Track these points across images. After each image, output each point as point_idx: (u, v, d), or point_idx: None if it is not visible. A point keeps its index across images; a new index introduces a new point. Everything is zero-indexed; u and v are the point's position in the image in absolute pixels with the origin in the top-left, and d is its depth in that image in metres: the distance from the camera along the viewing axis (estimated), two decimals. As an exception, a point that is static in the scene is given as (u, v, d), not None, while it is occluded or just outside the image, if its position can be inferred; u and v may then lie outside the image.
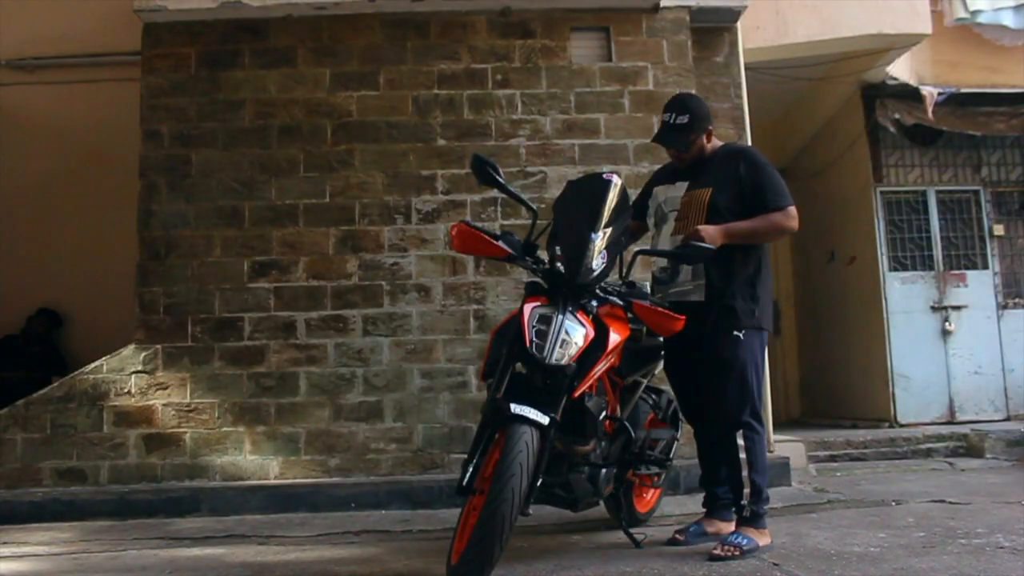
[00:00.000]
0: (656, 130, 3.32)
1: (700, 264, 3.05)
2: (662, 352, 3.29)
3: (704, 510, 3.26)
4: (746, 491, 3.09)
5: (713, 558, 2.83)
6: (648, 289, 3.18)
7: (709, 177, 3.15)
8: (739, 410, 3.06)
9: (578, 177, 3.16)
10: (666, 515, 3.75)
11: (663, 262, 3.18)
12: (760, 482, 3.03)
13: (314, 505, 4.31)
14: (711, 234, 2.97)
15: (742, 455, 3.13)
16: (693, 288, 3.12)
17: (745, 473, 3.09)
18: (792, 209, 3.07)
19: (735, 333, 3.04)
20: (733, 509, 3.15)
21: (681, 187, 3.22)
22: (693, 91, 4.85)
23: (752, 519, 3.00)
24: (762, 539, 2.95)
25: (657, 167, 4.89)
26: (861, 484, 4.66)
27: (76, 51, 6.10)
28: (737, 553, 2.84)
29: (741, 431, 3.11)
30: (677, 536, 3.11)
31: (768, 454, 3.58)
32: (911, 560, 2.67)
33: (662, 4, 5.01)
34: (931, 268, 7.07)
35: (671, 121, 3.17)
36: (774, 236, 3.20)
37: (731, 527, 3.14)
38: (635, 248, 3.19)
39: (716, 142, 3.29)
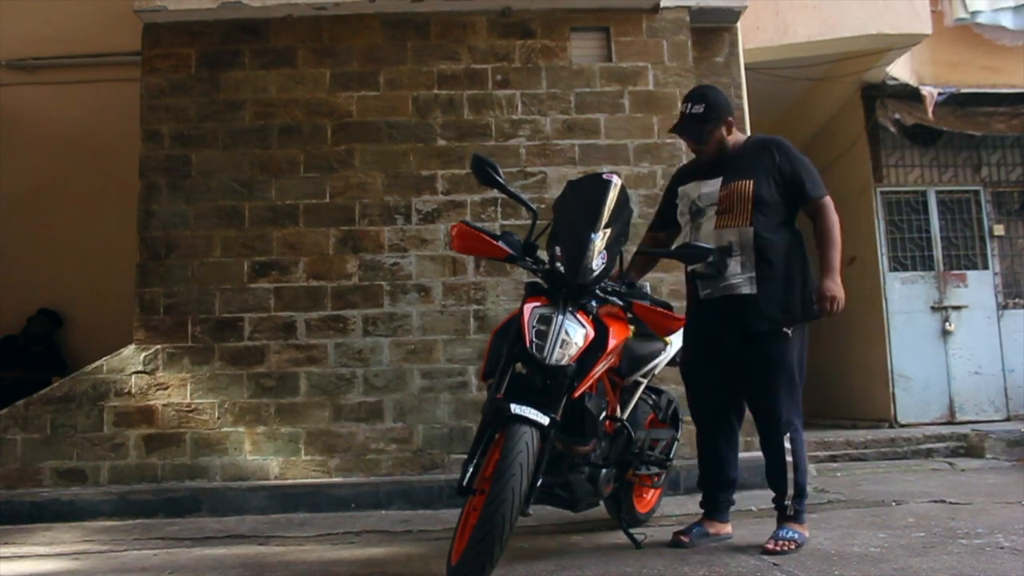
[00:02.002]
0: (667, 126, 3.30)
1: (752, 255, 3.02)
2: (662, 352, 3.28)
3: (702, 511, 3.25)
4: (790, 492, 3.03)
5: (767, 552, 2.85)
6: (648, 289, 3.17)
7: (746, 169, 3.09)
8: (788, 410, 3.02)
9: (578, 177, 3.16)
10: (666, 515, 3.75)
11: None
12: (803, 482, 3.04)
13: (314, 505, 4.31)
14: (837, 285, 3.05)
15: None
16: (744, 280, 3.03)
17: (791, 474, 3.04)
18: (829, 199, 3.11)
19: (784, 330, 3.00)
20: (777, 508, 3.10)
21: (716, 183, 3.12)
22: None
23: (796, 516, 3.02)
24: (806, 532, 3.01)
25: (657, 168, 4.95)
26: (861, 484, 4.66)
27: (76, 51, 6.09)
28: (792, 547, 2.87)
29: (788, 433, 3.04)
30: (681, 538, 3.08)
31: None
32: (911, 560, 2.67)
33: (662, 4, 5.01)
34: (931, 268, 7.07)
35: (687, 111, 3.12)
36: (839, 235, 3.15)
37: (728, 528, 3.17)
38: (635, 248, 3.19)
39: (739, 135, 3.23)
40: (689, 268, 3.22)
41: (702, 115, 3.09)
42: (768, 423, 3.07)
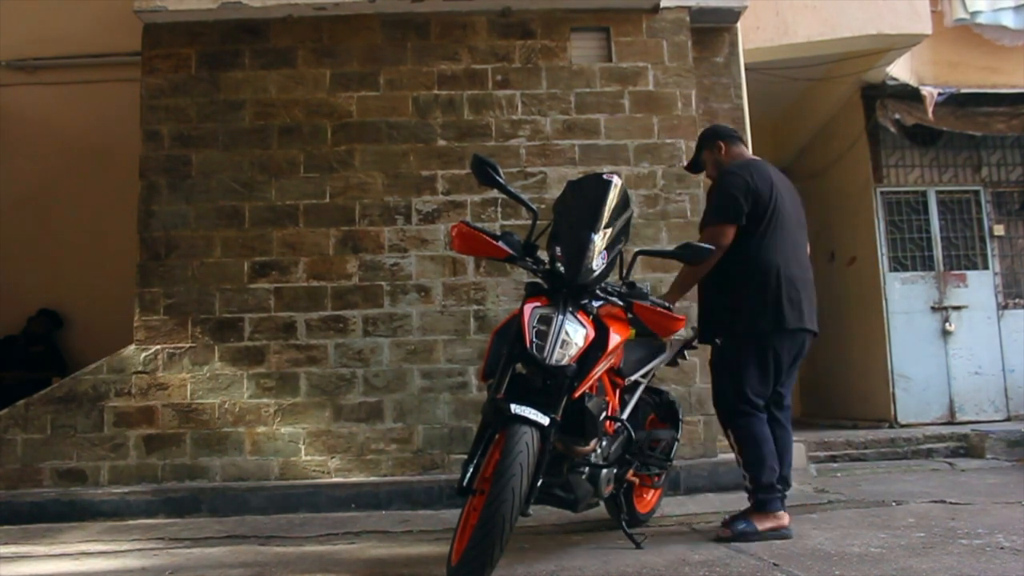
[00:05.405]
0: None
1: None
2: (662, 352, 3.30)
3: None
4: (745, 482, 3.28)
5: (718, 539, 3.13)
6: (648, 289, 3.18)
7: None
8: (722, 409, 3.34)
9: (578, 177, 3.16)
10: (667, 515, 3.75)
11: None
12: (753, 473, 3.20)
13: (314, 505, 4.31)
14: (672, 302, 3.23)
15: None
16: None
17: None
18: (711, 229, 3.22)
19: (716, 341, 3.32)
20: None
21: None
22: (693, 92, 4.94)
23: (756, 506, 3.19)
24: (762, 523, 3.13)
25: (658, 168, 4.99)
26: (861, 484, 4.66)
27: (76, 51, 6.09)
28: (726, 535, 3.11)
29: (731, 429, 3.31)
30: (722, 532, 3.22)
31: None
32: (911, 561, 2.67)
33: (662, 4, 5.01)
34: (931, 268, 7.07)
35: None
36: (702, 268, 3.23)
37: (785, 520, 3.25)
38: (635, 248, 3.20)
39: (739, 159, 3.45)
40: None
41: (697, 144, 3.62)
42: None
